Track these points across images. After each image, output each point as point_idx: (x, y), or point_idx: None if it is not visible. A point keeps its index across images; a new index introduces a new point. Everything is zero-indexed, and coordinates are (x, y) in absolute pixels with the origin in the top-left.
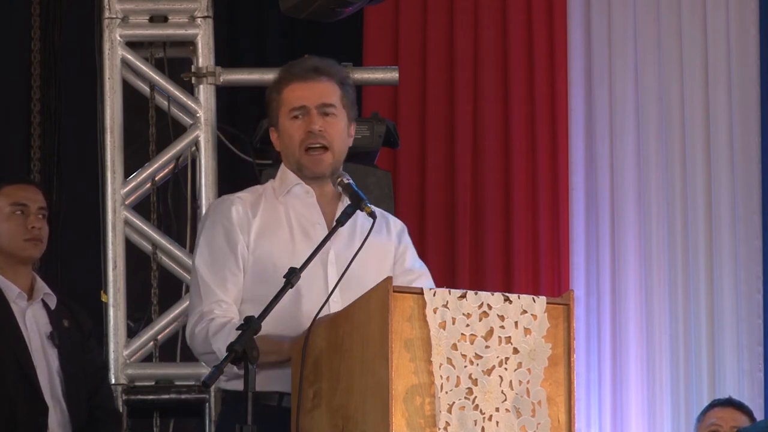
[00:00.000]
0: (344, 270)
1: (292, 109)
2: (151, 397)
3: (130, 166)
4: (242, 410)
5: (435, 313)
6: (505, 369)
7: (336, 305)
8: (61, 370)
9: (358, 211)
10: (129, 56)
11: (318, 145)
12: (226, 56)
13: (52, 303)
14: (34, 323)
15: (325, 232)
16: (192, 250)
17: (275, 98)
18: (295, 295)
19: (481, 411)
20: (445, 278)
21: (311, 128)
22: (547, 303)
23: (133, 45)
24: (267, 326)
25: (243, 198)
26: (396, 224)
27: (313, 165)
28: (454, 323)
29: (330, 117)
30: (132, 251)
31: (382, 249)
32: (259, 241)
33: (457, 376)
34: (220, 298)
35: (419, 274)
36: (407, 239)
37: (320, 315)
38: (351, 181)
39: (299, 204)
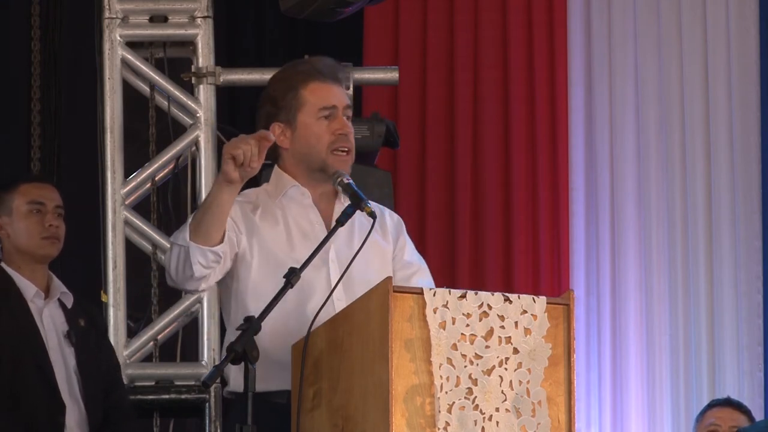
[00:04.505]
0: (344, 270)
1: (323, 108)
2: (151, 397)
3: (130, 166)
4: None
5: (435, 313)
6: (505, 369)
7: (341, 304)
8: (78, 369)
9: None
10: (129, 56)
11: (346, 149)
12: (226, 56)
13: (69, 302)
14: (51, 322)
15: (324, 231)
16: None
17: (292, 95)
18: (300, 294)
19: (481, 411)
20: (445, 278)
21: (344, 131)
22: (547, 303)
23: (133, 45)
24: (275, 325)
25: (241, 201)
26: (393, 218)
27: (340, 165)
28: (454, 323)
29: (349, 120)
30: (132, 251)
31: (382, 246)
32: (262, 242)
33: (457, 376)
34: None
35: (418, 268)
36: (405, 232)
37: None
38: (351, 181)
39: (296, 205)
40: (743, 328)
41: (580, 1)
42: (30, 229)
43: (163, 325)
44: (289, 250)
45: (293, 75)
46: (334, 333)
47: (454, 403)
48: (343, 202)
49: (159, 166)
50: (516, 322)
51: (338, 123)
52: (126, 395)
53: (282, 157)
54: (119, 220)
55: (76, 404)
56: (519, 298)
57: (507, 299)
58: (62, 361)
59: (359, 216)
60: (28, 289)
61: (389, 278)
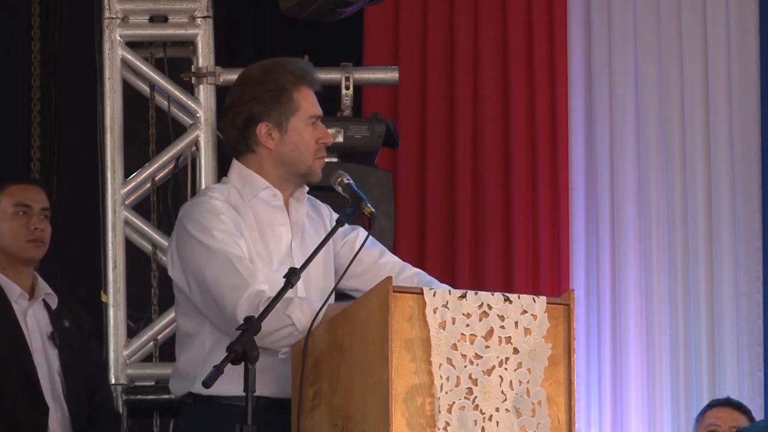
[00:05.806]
0: (342, 274)
1: (312, 116)
2: (151, 397)
3: (130, 166)
4: (208, 411)
5: (435, 313)
6: (505, 369)
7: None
8: (61, 370)
9: (307, 199)
10: (129, 56)
11: (324, 155)
12: (226, 56)
13: (53, 303)
14: (35, 323)
15: (289, 233)
16: None
17: (286, 97)
18: None
19: (481, 411)
20: (445, 278)
21: (327, 140)
22: (547, 303)
23: (133, 45)
24: None
25: (223, 201)
26: (333, 215)
27: (320, 171)
28: (454, 323)
29: None
30: (132, 251)
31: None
32: (247, 247)
33: (457, 376)
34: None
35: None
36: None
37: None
38: (351, 181)
39: (265, 206)
40: (743, 328)
41: (580, 1)
42: (15, 231)
43: (163, 325)
44: (263, 251)
45: (283, 75)
46: (334, 333)
47: (454, 403)
48: (304, 205)
49: (159, 166)
50: (516, 322)
51: (322, 132)
52: (111, 396)
53: (255, 156)
54: (119, 220)
55: (59, 406)
56: (519, 298)
57: (507, 299)
58: (46, 362)
59: (308, 207)
60: (13, 290)
61: (389, 278)
